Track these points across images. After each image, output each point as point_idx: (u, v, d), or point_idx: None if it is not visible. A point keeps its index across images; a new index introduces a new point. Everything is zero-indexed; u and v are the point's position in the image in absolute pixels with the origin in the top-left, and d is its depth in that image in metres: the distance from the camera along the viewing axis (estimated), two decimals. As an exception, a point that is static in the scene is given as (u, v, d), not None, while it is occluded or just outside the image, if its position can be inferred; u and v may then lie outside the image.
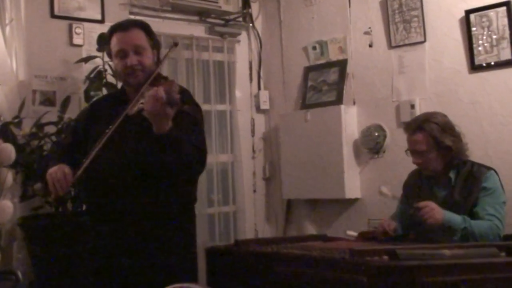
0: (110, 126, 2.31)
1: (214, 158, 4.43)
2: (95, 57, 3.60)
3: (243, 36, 4.76)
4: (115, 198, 2.41)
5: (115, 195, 2.40)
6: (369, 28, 4.12)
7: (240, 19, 4.70)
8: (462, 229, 2.74)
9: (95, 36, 3.62)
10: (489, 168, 2.89)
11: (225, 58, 4.61)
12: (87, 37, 3.81)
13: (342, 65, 4.27)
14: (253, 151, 4.79)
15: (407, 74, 3.91)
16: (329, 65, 4.35)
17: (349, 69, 4.23)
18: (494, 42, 3.49)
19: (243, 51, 4.77)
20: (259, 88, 4.82)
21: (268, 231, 4.75)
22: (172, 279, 1.97)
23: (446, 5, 3.72)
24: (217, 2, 4.41)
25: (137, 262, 2.39)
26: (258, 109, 4.80)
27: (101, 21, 3.87)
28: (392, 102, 3.99)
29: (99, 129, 2.38)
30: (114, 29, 2.52)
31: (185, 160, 2.29)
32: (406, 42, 3.90)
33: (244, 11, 4.70)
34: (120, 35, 2.48)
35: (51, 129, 3.40)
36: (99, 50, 3.49)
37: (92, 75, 3.60)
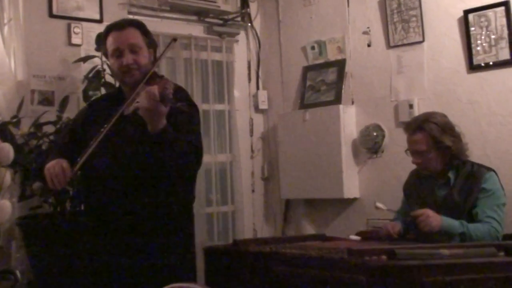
0: (105, 125, 2.31)
1: (213, 158, 4.43)
2: (93, 56, 3.60)
3: (241, 36, 4.76)
4: (113, 198, 2.41)
5: (113, 195, 2.41)
6: (368, 28, 4.12)
7: (239, 18, 4.69)
8: (459, 233, 2.73)
9: (93, 36, 3.62)
10: (489, 169, 2.88)
11: (223, 58, 4.61)
12: (85, 36, 3.81)
13: (340, 65, 4.26)
14: (252, 151, 4.79)
15: (405, 74, 3.91)
16: (328, 65, 4.34)
17: (348, 68, 4.22)
18: (493, 42, 3.49)
19: (241, 50, 4.76)
20: (257, 88, 4.82)
21: (267, 230, 4.74)
22: (171, 279, 1.97)
23: (444, 5, 3.72)
24: (215, 2, 4.41)
25: (135, 262, 2.38)
26: (257, 109, 4.80)
27: (100, 21, 3.87)
28: (390, 101, 3.99)
29: (97, 128, 2.37)
30: (110, 28, 2.52)
31: (180, 158, 2.29)
32: (405, 42, 3.90)
33: (243, 10, 4.70)
34: (115, 34, 2.48)
35: (49, 128, 3.39)
36: (97, 49, 3.48)
37: (90, 75, 3.59)
